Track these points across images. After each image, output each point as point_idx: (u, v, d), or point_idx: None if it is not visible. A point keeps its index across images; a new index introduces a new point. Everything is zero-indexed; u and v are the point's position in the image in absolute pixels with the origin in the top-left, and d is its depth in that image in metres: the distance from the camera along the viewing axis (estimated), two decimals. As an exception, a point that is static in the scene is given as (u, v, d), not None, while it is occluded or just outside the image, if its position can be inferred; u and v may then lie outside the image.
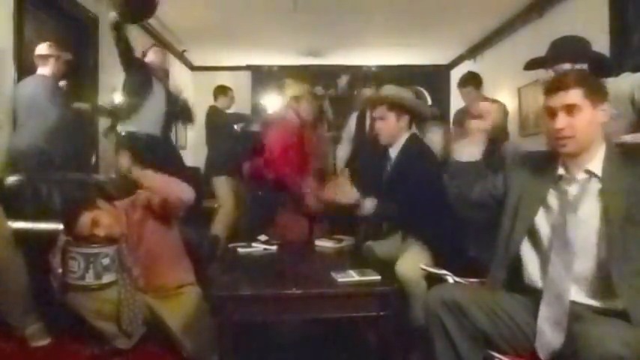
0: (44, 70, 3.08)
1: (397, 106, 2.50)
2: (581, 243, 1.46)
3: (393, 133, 2.52)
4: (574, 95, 1.47)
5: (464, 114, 4.19)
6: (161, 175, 2.22)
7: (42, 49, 3.07)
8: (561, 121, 1.48)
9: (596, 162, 1.51)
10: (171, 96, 3.79)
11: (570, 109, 1.47)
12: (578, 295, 1.46)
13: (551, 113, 1.51)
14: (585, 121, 1.47)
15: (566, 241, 1.47)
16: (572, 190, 1.52)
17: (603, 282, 1.43)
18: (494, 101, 4.08)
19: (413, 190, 2.34)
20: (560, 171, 1.56)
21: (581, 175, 1.52)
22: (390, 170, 2.56)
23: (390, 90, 2.62)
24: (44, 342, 1.94)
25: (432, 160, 2.54)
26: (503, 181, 1.71)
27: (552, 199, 1.56)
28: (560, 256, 1.48)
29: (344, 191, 2.50)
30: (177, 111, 3.91)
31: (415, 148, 2.51)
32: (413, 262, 2.22)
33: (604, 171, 1.49)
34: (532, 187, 1.61)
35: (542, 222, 1.57)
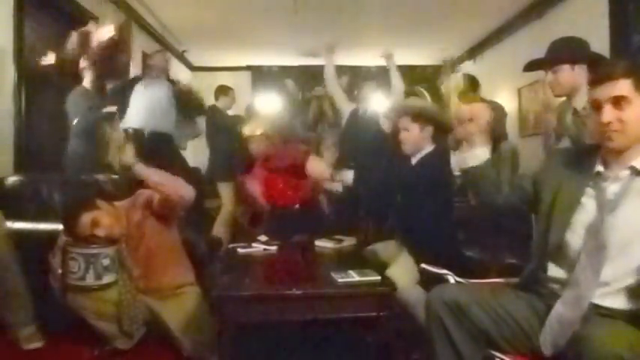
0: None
1: (421, 118, 2.52)
2: (618, 245, 1.37)
3: (417, 143, 2.55)
4: (622, 86, 1.37)
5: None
6: (164, 173, 2.21)
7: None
8: (608, 114, 1.38)
9: None
10: (182, 95, 3.83)
11: (618, 101, 1.37)
12: (598, 299, 1.39)
13: (597, 106, 1.41)
14: (634, 114, 1.37)
15: (600, 243, 1.38)
16: (613, 188, 1.42)
17: (629, 286, 1.37)
18: (493, 103, 4.08)
19: (424, 197, 2.38)
20: (599, 168, 1.46)
21: (623, 173, 1.42)
22: (406, 177, 2.58)
23: (414, 102, 2.66)
24: (38, 344, 1.93)
25: (448, 172, 2.59)
26: (532, 184, 1.63)
27: (589, 198, 1.46)
28: (592, 258, 1.38)
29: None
30: (190, 108, 3.96)
31: (435, 160, 2.53)
32: (401, 271, 2.22)
33: None
34: (568, 185, 1.51)
35: (577, 220, 1.46)
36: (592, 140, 1.56)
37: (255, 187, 3.55)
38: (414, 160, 2.58)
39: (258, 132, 3.49)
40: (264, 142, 3.49)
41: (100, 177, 2.95)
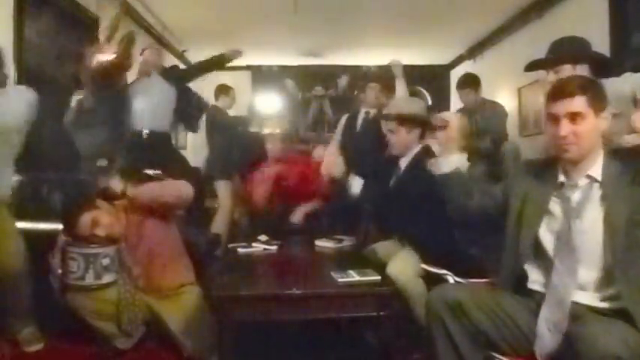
0: None
1: (407, 120, 2.55)
2: (586, 249, 1.46)
3: (405, 145, 2.58)
4: (578, 103, 1.47)
5: (463, 114, 4.19)
6: (154, 184, 2.23)
7: None
8: (565, 128, 1.48)
9: (596, 167, 1.51)
10: (184, 94, 3.82)
11: (574, 116, 1.47)
12: (580, 297, 1.46)
13: (554, 119, 1.51)
14: (588, 128, 1.47)
15: (571, 248, 1.47)
16: (575, 196, 1.52)
17: (608, 286, 1.43)
18: (493, 102, 4.08)
19: (417, 199, 2.37)
20: (561, 178, 1.56)
21: (582, 181, 1.52)
22: (397, 179, 2.59)
23: (399, 103, 2.68)
24: (38, 346, 1.94)
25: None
26: (503, 190, 1.72)
27: (555, 206, 1.55)
28: (565, 262, 1.47)
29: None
30: (191, 107, 3.95)
31: (424, 160, 2.53)
32: (403, 264, 2.23)
33: (604, 175, 1.50)
34: (534, 195, 1.61)
35: (545, 229, 1.56)
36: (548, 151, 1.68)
37: (258, 186, 3.52)
38: (404, 162, 2.59)
39: (278, 130, 3.49)
40: (283, 142, 3.48)
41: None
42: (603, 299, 1.44)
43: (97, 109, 3.18)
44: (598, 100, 1.49)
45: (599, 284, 1.45)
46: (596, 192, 1.50)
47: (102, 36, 3.50)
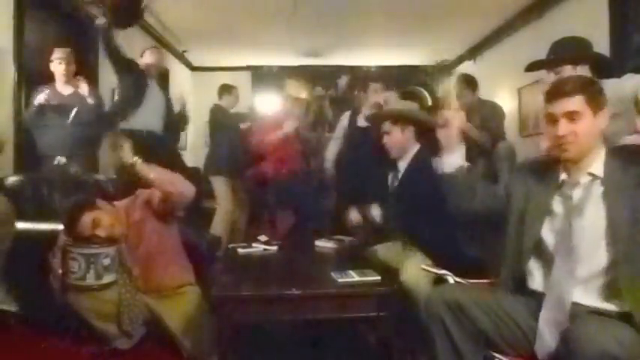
0: None
1: (400, 120, 2.55)
2: (587, 247, 1.45)
3: (401, 145, 2.57)
4: (576, 102, 1.47)
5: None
6: (164, 170, 2.21)
7: None
8: (563, 127, 1.48)
9: (597, 165, 1.51)
10: (169, 102, 3.82)
11: (572, 115, 1.48)
12: (581, 297, 1.45)
13: (552, 119, 1.51)
14: (587, 127, 1.48)
15: (571, 246, 1.47)
16: (576, 194, 1.51)
17: (608, 285, 1.43)
18: (491, 103, 4.07)
19: (419, 201, 2.38)
20: (563, 176, 1.56)
21: (584, 179, 1.52)
22: (398, 182, 2.59)
23: (398, 104, 2.68)
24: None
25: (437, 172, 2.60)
26: (504, 191, 1.71)
27: (557, 204, 1.55)
28: (565, 261, 1.47)
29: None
30: (175, 116, 3.94)
31: (422, 161, 2.53)
32: (418, 269, 2.21)
33: (606, 173, 1.49)
34: (536, 195, 1.60)
35: (547, 229, 1.56)
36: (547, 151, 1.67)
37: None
38: (403, 164, 2.59)
39: (302, 95, 3.52)
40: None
41: (100, 177, 2.96)
42: (604, 300, 1.44)
43: (60, 107, 3.15)
44: (596, 99, 1.49)
45: (599, 284, 1.45)
46: (598, 189, 1.49)
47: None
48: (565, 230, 1.50)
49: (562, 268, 1.47)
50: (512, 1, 4.63)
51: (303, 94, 3.50)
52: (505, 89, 5.29)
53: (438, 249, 2.27)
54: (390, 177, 2.65)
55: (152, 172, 2.13)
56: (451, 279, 1.79)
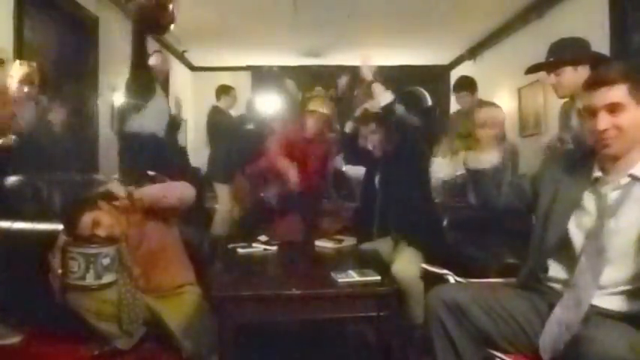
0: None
1: (383, 123, 2.62)
2: (617, 251, 1.38)
3: (382, 147, 2.65)
4: (618, 92, 1.35)
5: (460, 116, 4.19)
6: (157, 186, 2.23)
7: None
8: (604, 121, 1.36)
9: (639, 165, 1.39)
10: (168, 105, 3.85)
11: (613, 107, 1.36)
12: (598, 300, 1.39)
13: (592, 112, 1.39)
14: (630, 120, 1.35)
15: (600, 247, 1.38)
16: (613, 194, 1.41)
17: (631, 292, 1.37)
18: (491, 104, 4.07)
19: (406, 199, 2.48)
20: (597, 173, 1.46)
21: (624, 180, 1.41)
22: (385, 182, 2.65)
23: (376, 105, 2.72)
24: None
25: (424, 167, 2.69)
26: (531, 185, 1.64)
27: (589, 202, 1.46)
28: (591, 262, 1.38)
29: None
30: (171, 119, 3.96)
31: (407, 159, 2.60)
32: (408, 263, 2.26)
33: None
34: (565, 189, 1.51)
35: (574, 224, 1.47)
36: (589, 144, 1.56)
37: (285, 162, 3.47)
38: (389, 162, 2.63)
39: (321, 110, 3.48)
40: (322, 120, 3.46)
41: (100, 177, 2.96)
42: (619, 302, 1.38)
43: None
44: None
45: (623, 286, 1.38)
46: (637, 192, 1.38)
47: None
48: (596, 230, 1.39)
49: (587, 269, 1.38)
50: (512, 1, 4.63)
51: (324, 109, 3.47)
52: (505, 89, 5.29)
53: (436, 248, 2.29)
54: (376, 178, 2.70)
55: (148, 196, 2.14)
56: (451, 278, 1.79)
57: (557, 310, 1.39)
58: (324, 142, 3.59)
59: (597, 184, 1.46)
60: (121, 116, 3.48)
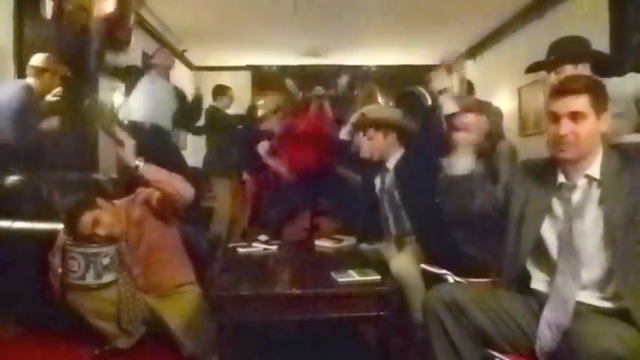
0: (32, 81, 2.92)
1: (383, 126, 2.61)
2: (590, 250, 1.44)
3: (383, 150, 2.63)
4: (581, 102, 1.45)
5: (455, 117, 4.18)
6: (164, 171, 2.20)
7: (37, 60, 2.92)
8: (565, 127, 1.45)
9: (594, 166, 1.49)
10: (182, 99, 3.90)
11: (575, 116, 1.45)
12: (584, 296, 1.44)
13: (555, 118, 1.48)
14: (589, 128, 1.45)
15: (573, 249, 1.45)
16: (575, 197, 1.50)
17: (608, 285, 1.43)
18: (488, 104, 4.08)
19: (410, 203, 2.47)
20: (561, 178, 1.54)
21: (581, 181, 1.50)
22: (387, 186, 2.64)
23: (373, 111, 2.76)
24: None
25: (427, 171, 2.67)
26: (503, 192, 1.71)
27: (557, 207, 1.54)
28: (568, 264, 1.45)
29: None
30: (188, 108, 4.01)
31: (412, 163, 2.59)
32: (407, 260, 2.26)
33: (602, 175, 1.48)
34: (535, 196, 1.59)
35: (547, 230, 1.54)
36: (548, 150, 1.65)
37: (276, 161, 3.63)
38: (390, 165, 2.63)
39: (271, 106, 3.54)
40: (279, 116, 3.54)
41: (100, 176, 2.96)
42: (604, 299, 1.44)
43: None
44: (600, 101, 1.47)
45: (600, 284, 1.45)
46: (595, 192, 1.48)
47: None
48: (566, 233, 1.48)
49: (566, 271, 1.46)
50: (512, 1, 4.63)
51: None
52: (505, 89, 5.29)
53: (434, 247, 2.29)
54: (377, 182, 2.70)
55: (153, 172, 2.11)
56: (451, 278, 1.79)
57: (546, 313, 1.44)
58: (323, 122, 3.71)
59: (562, 189, 1.54)
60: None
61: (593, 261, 1.44)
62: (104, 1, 3.30)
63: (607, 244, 1.43)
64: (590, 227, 1.45)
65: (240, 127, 4.68)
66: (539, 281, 1.56)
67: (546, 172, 1.60)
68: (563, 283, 1.45)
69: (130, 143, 2.09)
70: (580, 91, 1.45)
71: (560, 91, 1.49)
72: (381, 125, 2.61)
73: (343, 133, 3.09)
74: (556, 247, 1.51)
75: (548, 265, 1.54)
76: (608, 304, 1.42)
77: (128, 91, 3.74)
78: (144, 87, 3.76)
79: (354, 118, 3.31)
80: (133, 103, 3.71)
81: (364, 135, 2.66)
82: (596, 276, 1.44)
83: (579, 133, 1.45)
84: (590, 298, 1.45)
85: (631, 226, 1.40)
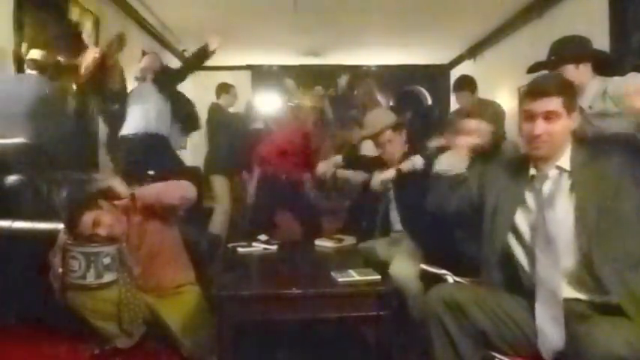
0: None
1: (398, 128, 2.69)
2: (563, 239, 1.48)
3: (401, 150, 2.68)
4: (555, 103, 1.51)
5: (459, 115, 4.18)
6: (159, 184, 2.23)
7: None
8: (540, 127, 1.52)
9: (564, 158, 1.56)
10: (177, 102, 3.84)
11: (549, 115, 1.51)
12: (572, 291, 1.46)
13: (529, 117, 1.55)
14: (561, 128, 1.52)
15: (548, 238, 1.49)
16: (546, 187, 1.55)
17: (592, 275, 1.44)
18: (491, 102, 4.09)
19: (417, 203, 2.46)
20: (532, 171, 1.60)
21: (552, 172, 1.56)
22: (400, 186, 2.65)
23: (387, 116, 2.78)
24: None
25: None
26: (478, 191, 1.75)
27: (529, 199, 1.59)
28: (545, 253, 1.49)
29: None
30: (183, 115, 3.96)
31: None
32: (406, 263, 2.26)
33: (572, 165, 1.54)
34: (508, 190, 1.64)
35: (523, 223, 1.58)
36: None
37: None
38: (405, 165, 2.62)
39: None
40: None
41: (100, 176, 2.96)
42: (595, 291, 1.43)
43: None
44: (572, 101, 1.55)
45: (584, 274, 1.46)
46: (566, 182, 1.53)
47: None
48: (539, 223, 1.52)
49: (544, 261, 1.49)
50: (512, 1, 4.63)
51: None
52: (505, 89, 5.28)
53: (435, 247, 2.29)
54: (378, 180, 2.70)
55: (147, 196, 2.13)
56: (451, 278, 1.79)
57: (538, 308, 1.46)
58: (307, 132, 3.86)
59: (534, 181, 1.59)
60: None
61: (570, 250, 1.47)
62: (87, 53, 3.34)
63: (581, 232, 1.46)
64: (563, 215, 1.49)
65: (240, 125, 4.68)
66: (528, 279, 1.56)
67: (519, 168, 1.65)
68: (545, 274, 1.48)
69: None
70: (554, 92, 1.51)
71: (536, 91, 1.55)
72: (396, 128, 2.68)
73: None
74: (530, 237, 1.54)
75: (530, 260, 1.55)
76: (601, 298, 1.42)
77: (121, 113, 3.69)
78: (134, 99, 3.69)
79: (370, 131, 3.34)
80: (128, 118, 3.64)
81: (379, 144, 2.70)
82: (578, 267, 1.46)
83: (553, 132, 1.52)
84: (582, 293, 1.45)
85: (603, 213, 1.44)
